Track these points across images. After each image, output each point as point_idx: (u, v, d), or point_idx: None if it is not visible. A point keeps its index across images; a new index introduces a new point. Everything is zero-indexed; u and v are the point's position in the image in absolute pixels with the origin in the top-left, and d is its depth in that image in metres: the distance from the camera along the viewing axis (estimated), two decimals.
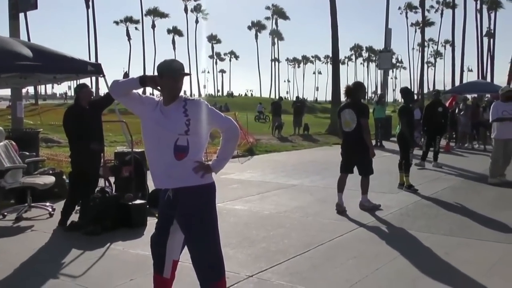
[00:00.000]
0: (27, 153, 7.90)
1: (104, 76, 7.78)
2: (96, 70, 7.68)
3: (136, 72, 75.11)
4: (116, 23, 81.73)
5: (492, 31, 61.28)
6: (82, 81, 9.14)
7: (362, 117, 6.66)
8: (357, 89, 6.91)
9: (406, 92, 8.86)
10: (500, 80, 57.76)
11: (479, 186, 8.94)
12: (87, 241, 5.41)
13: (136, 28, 79.74)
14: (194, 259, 3.19)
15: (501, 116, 8.84)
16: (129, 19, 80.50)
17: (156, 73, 3.14)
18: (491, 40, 60.41)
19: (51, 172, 7.67)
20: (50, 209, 6.64)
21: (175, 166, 3.07)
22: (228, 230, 5.87)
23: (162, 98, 3.17)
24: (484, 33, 55.89)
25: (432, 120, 11.26)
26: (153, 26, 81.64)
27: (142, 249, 4.97)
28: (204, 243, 3.19)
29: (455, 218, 6.49)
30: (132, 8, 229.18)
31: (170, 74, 3.07)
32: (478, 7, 56.32)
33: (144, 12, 76.61)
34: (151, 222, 6.12)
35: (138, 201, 6.14)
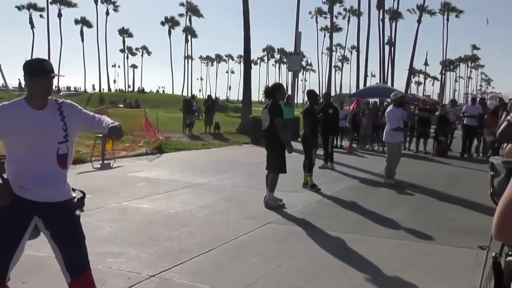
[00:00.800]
0: None
1: None
2: None
3: None
4: (18, 8, 76.43)
5: (393, 40, 65.36)
6: None
7: (275, 116, 7.02)
8: (274, 90, 7.29)
9: (311, 94, 9.30)
10: (399, 85, 61.74)
11: (376, 185, 9.53)
12: None
13: (40, 16, 75.16)
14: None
15: (399, 126, 9.49)
16: (32, 6, 75.47)
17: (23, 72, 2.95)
18: (392, 48, 64.39)
19: None
20: None
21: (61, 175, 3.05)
22: (132, 229, 5.76)
23: (25, 100, 2.97)
24: (386, 41, 59.38)
25: (325, 121, 11.31)
26: (60, 15, 77.26)
27: (37, 249, 4.71)
28: None
29: (353, 216, 6.87)
30: None
31: (41, 74, 2.91)
32: (381, 16, 59.81)
33: (49, 0, 72.43)
34: None
35: None
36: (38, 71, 2.92)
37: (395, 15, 65.53)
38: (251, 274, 4.36)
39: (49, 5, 71.61)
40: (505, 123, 4.11)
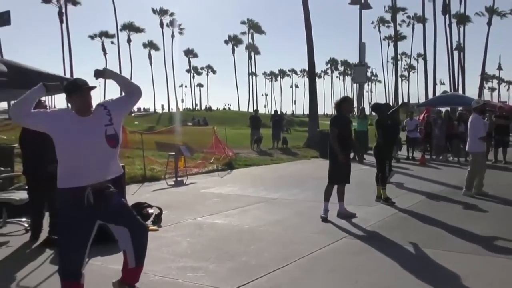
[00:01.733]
0: (2, 169, 7.78)
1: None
2: None
3: (112, 88, 74.48)
4: (91, 37, 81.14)
5: (462, 45, 62.86)
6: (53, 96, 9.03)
7: (330, 126, 7.28)
8: (339, 102, 7.45)
9: (376, 107, 9.35)
10: (472, 92, 59.23)
11: (453, 197, 9.13)
12: None
13: (112, 43, 79.28)
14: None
15: (486, 131, 9.29)
16: (104, 34, 79.95)
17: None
18: (461, 53, 61.92)
19: (26, 187, 7.55)
20: (26, 225, 6.54)
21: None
22: (208, 244, 5.89)
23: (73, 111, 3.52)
24: (454, 46, 57.19)
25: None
26: (129, 41, 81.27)
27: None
28: None
29: (431, 230, 6.62)
30: (107, 23, 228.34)
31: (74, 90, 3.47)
32: (448, 21, 57.74)
33: (119, 27, 76.29)
34: None
35: None
36: (72, 88, 3.48)
37: (463, 19, 63.02)
38: None
39: (119, 32, 75.36)
40: None
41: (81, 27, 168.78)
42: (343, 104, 7.38)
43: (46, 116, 3.45)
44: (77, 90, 3.44)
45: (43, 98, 5.03)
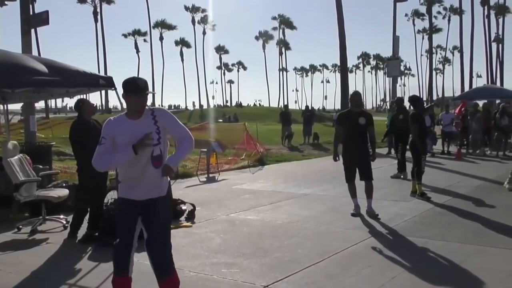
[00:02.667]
0: (41, 167, 7.96)
1: (115, 89, 7.85)
2: (108, 83, 7.74)
3: None
4: (125, 36, 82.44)
5: (501, 36, 60.98)
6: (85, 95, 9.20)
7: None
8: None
9: (415, 100, 8.81)
10: (510, 85, 57.39)
11: (492, 193, 8.87)
12: (102, 252, 5.43)
13: (144, 40, 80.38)
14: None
15: None
16: (137, 32, 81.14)
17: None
18: (500, 45, 60.08)
19: (64, 185, 7.73)
20: (64, 222, 6.69)
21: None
22: (241, 240, 5.88)
23: (124, 114, 3.48)
24: (492, 38, 55.56)
25: (397, 127, 10.91)
26: (161, 38, 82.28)
27: None
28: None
29: (469, 225, 6.44)
30: (140, 21, 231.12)
31: (134, 91, 3.36)
32: (486, 12, 56.08)
33: (152, 25, 77.24)
34: None
35: None
36: (131, 89, 3.36)
37: (502, 9, 61.09)
38: (365, 286, 4.25)
39: (151, 29, 76.33)
40: None
41: (115, 26, 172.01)
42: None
43: (109, 141, 3.39)
44: (136, 91, 3.36)
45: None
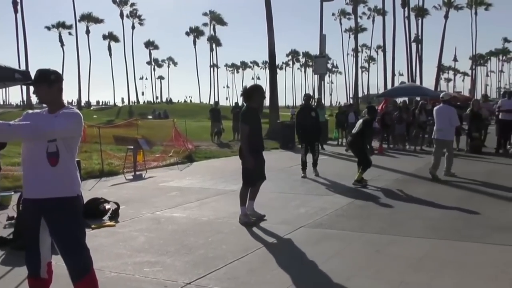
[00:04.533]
0: None
1: (32, 83, 7.48)
2: (24, 77, 7.37)
3: (70, 80, 72.57)
4: (48, 28, 78.57)
5: (420, 37, 64.32)
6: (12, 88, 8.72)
7: (241, 123, 6.50)
8: (252, 93, 6.62)
9: (372, 109, 10.12)
10: (428, 83, 60.67)
11: (410, 185, 9.37)
12: (18, 256, 5.16)
13: (69, 34, 77.05)
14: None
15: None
16: (61, 25, 77.57)
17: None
18: (419, 45, 63.35)
19: None
20: None
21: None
22: (166, 238, 5.82)
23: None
24: (412, 38, 58.49)
25: (306, 126, 10.60)
26: (88, 32, 79.15)
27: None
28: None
29: (387, 216, 6.77)
30: (64, 13, 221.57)
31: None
32: (407, 14, 58.94)
33: (77, 18, 74.19)
34: (86, 234, 5.96)
35: None
36: (32, 80, 3.34)
37: (421, 12, 64.47)
38: (285, 279, 4.35)
39: (77, 22, 73.32)
40: None
41: (37, 17, 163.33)
42: (256, 95, 6.55)
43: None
44: (33, 82, 3.32)
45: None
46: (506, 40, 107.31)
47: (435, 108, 10.66)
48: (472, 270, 4.51)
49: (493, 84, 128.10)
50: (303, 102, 11.60)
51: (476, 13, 79.07)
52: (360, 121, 9.87)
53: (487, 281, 4.25)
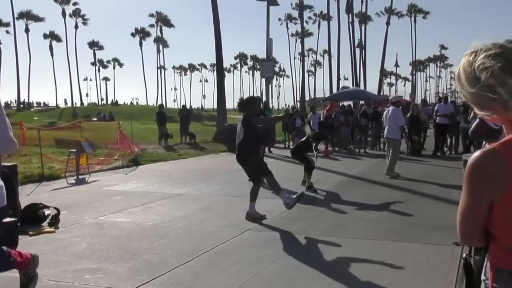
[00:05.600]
0: None
1: None
2: None
3: (8, 80, 69.28)
4: None
5: (363, 43, 66.26)
6: None
7: (251, 118, 6.90)
8: (247, 104, 7.14)
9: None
10: (372, 87, 62.60)
11: (354, 187, 9.63)
12: None
13: (7, 32, 73.71)
14: None
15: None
16: None
17: None
18: (363, 50, 65.25)
19: None
20: None
21: None
22: (109, 243, 5.69)
23: None
24: (356, 44, 60.16)
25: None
26: (27, 30, 76.05)
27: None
28: None
29: (330, 219, 6.92)
30: (1, 10, 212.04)
31: None
32: (351, 20, 60.63)
33: (15, 15, 71.10)
34: (23, 241, 5.74)
35: (7, 219, 5.67)
36: None
37: (364, 18, 66.52)
38: (231, 282, 4.35)
39: (15, 20, 70.29)
40: (477, 120, 4.20)
41: None
42: (252, 106, 7.14)
43: None
44: None
45: None
46: (443, 47, 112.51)
47: (385, 110, 11.49)
48: (409, 269, 4.68)
49: (432, 89, 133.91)
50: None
51: (415, 21, 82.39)
52: (311, 133, 10.28)
53: (423, 281, 4.43)
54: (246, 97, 7.46)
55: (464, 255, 1.81)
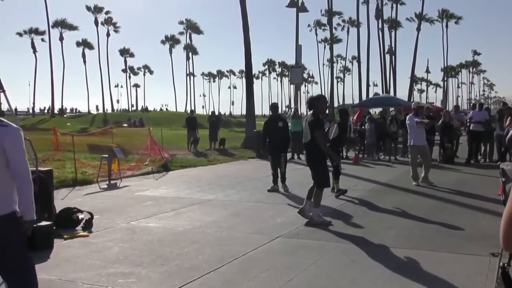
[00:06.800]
0: None
1: (3, 91, 7.35)
2: None
3: (43, 87, 71.03)
4: (20, 34, 77.19)
5: (393, 49, 65.57)
6: None
7: (314, 130, 6.92)
8: (314, 101, 7.13)
9: (345, 112, 10.85)
10: (402, 94, 61.87)
11: (384, 195, 9.49)
12: None
13: (42, 40, 75.83)
14: None
15: (419, 121, 10.55)
16: (34, 31, 76.27)
17: None
18: (393, 57, 64.56)
19: None
20: None
21: None
22: (141, 248, 5.75)
23: None
24: (386, 50, 59.64)
25: (273, 136, 10.09)
26: (61, 39, 78.02)
27: (47, 273, 4.73)
28: None
29: (362, 227, 6.82)
30: (37, 19, 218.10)
31: None
32: (380, 26, 60.10)
33: (51, 24, 73.09)
34: (58, 244, 5.87)
35: (43, 223, 5.83)
36: None
37: (394, 24, 65.82)
38: None
39: (50, 29, 72.23)
40: None
41: (8, 24, 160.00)
42: (319, 103, 7.11)
43: None
44: None
45: None
46: (475, 52, 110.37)
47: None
48: (444, 280, 4.58)
49: (464, 96, 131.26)
50: (270, 112, 11.13)
51: (447, 26, 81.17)
52: (335, 125, 10.03)
53: None
54: (315, 95, 7.58)
55: (502, 263, 1.75)
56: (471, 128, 15.09)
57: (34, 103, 78.13)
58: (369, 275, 4.72)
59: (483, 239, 5.93)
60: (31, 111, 76.10)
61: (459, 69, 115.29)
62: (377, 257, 5.34)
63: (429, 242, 5.91)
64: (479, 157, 15.33)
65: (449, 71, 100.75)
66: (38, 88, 63.78)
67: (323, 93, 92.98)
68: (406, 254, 5.44)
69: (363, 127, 18.00)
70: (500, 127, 12.34)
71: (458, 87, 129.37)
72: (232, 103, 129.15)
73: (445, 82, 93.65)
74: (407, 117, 11.14)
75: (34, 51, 76.79)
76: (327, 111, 7.84)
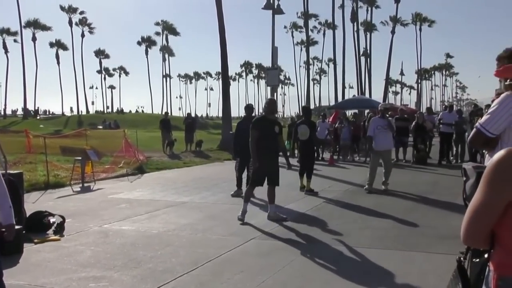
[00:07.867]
0: None
1: None
2: None
3: (15, 88, 69.87)
4: None
5: (369, 51, 66.40)
6: None
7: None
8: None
9: (308, 110, 11.19)
10: (377, 96, 62.66)
11: (359, 196, 9.57)
12: None
13: (15, 41, 74.32)
14: None
15: (371, 135, 10.02)
16: (6, 31, 74.74)
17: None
18: (368, 59, 65.36)
19: None
20: None
21: None
22: (113, 252, 5.67)
23: None
24: (361, 52, 60.33)
25: (245, 138, 9.24)
26: (34, 39, 76.64)
27: (15, 278, 4.62)
28: None
29: (335, 228, 6.86)
30: (9, 19, 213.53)
31: None
32: (356, 28, 60.74)
33: (23, 24, 71.68)
34: (28, 249, 5.74)
35: None
36: None
37: (369, 27, 66.64)
38: None
39: (22, 29, 70.86)
40: (474, 130, 4.18)
41: None
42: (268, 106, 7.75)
43: None
44: None
45: None
46: (448, 55, 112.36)
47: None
48: (416, 279, 4.64)
49: (437, 98, 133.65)
50: (245, 112, 10.88)
51: (420, 29, 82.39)
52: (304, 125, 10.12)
53: None
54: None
55: (457, 257, 1.77)
56: (441, 129, 15.38)
57: (5, 105, 76.73)
58: (344, 276, 4.75)
59: (454, 238, 5.99)
60: (2, 113, 74.56)
61: (432, 72, 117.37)
62: (351, 257, 5.38)
63: (402, 242, 5.98)
64: (451, 158, 15.61)
65: (423, 74, 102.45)
66: (10, 89, 62.35)
67: (300, 95, 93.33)
68: (380, 254, 5.49)
69: (337, 127, 18.12)
70: (471, 129, 12.58)
71: (432, 89, 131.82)
72: (209, 105, 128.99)
73: (419, 84, 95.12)
74: (371, 120, 10.67)
75: (6, 51, 75.27)
76: (276, 112, 8.81)
